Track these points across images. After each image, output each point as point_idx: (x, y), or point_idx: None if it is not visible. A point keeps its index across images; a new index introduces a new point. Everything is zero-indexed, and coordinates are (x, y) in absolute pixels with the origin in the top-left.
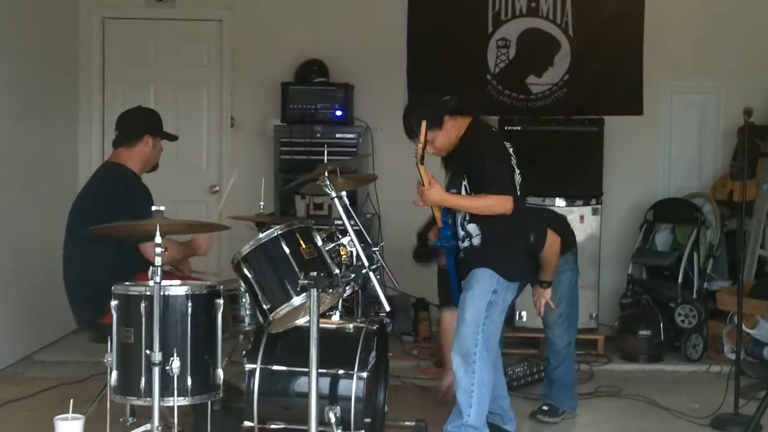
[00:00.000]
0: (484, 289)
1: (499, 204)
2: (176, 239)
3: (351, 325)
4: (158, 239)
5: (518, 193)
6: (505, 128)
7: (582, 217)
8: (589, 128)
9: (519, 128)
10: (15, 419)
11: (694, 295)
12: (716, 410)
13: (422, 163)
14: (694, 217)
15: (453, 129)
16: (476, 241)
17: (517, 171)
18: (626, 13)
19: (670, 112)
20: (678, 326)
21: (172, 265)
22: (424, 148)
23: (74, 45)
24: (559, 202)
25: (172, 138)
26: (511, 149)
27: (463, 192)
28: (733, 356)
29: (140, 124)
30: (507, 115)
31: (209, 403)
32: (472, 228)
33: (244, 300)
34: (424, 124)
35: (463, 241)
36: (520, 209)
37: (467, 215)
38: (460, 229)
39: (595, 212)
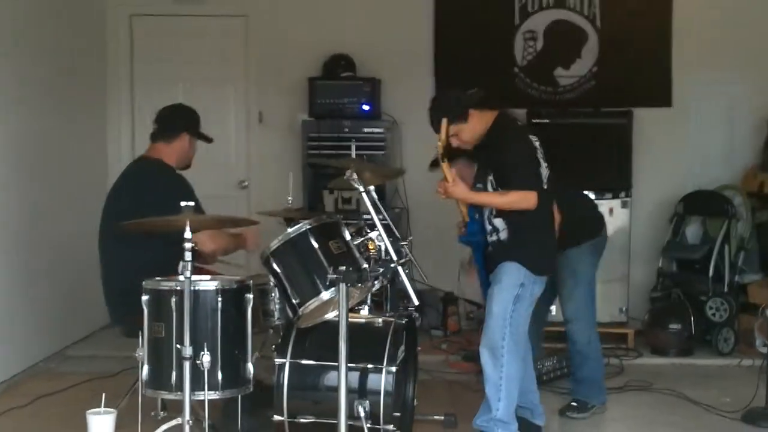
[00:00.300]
0: (512, 282)
1: (522, 200)
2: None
3: (380, 320)
4: (188, 234)
5: (544, 187)
6: (533, 121)
7: (611, 210)
8: (617, 120)
9: (547, 121)
10: (47, 413)
11: (725, 289)
12: (748, 404)
13: (444, 160)
14: (724, 210)
15: (479, 122)
16: (503, 235)
17: (544, 164)
18: (654, 4)
19: (699, 103)
20: (709, 320)
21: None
22: (445, 145)
23: (102, 42)
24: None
25: (209, 140)
26: (537, 142)
27: (489, 187)
28: (764, 350)
29: (180, 121)
30: (535, 108)
31: (239, 397)
32: (498, 222)
33: (273, 295)
34: (444, 122)
35: (490, 236)
36: (546, 203)
37: (494, 210)
38: (487, 223)
39: (624, 205)
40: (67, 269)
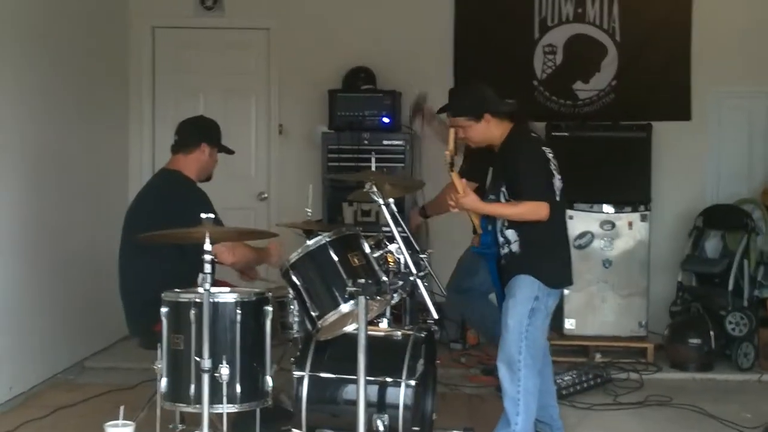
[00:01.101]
0: (526, 295)
1: (533, 211)
2: (250, 243)
3: (399, 333)
4: (208, 246)
5: (557, 199)
6: (552, 134)
7: (630, 224)
8: (637, 134)
9: (566, 134)
10: (66, 425)
11: (745, 303)
12: None
13: (453, 170)
14: (744, 224)
15: (495, 128)
16: (515, 247)
17: (558, 176)
18: (673, 19)
19: (718, 117)
20: (728, 334)
21: (240, 270)
22: (453, 155)
23: (125, 54)
24: (608, 209)
25: (229, 151)
26: (551, 154)
27: (502, 198)
28: None
29: (199, 131)
30: (554, 121)
31: (257, 410)
32: (510, 234)
33: (292, 307)
34: (452, 132)
35: (502, 248)
36: (559, 215)
37: (505, 221)
38: (499, 235)
39: (644, 219)
40: (87, 280)
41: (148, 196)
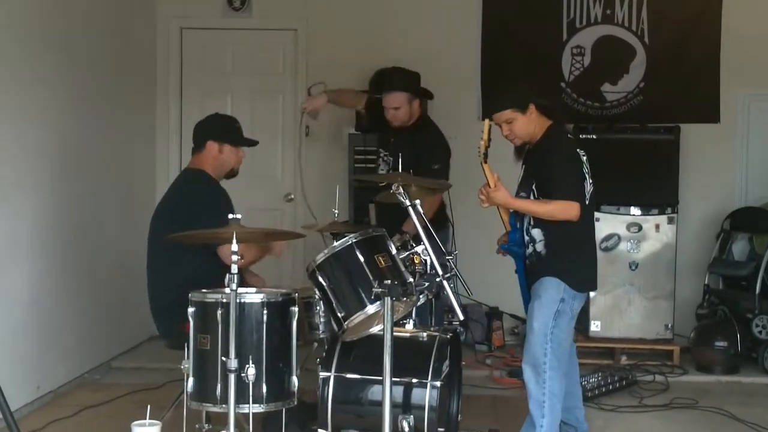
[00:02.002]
0: (551, 298)
1: (564, 210)
2: None
3: (425, 334)
4: (235, 247)
5: (587, 202)
6: (580, 136)
7: (658, 226)
8: (665, 136)
9: (594, 136)
10: (93, 425)
11: None
12: None
13: (486, 162)
14: None
15: (537, 122)
16: (539, 246)
17: (589, 180)
18: (703, 20)
19: (747, 120)
20: (755, 337)
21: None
22: (487, 147)
23: (153, 55)
24: (635, 211)
25: (250, 143)
26: (585, 157)
27: (532, 197)
28: None
29: (203, 130)
30: (582, 123)
31: (283, 410)
32: (536, 233)
33: (318, 308)
34: (486, 123)
35: (527, 247)
36: (587, 218)
37: (532, 220)
38: (525, 233)
39: (671, 221)
40: (114, 280)
41: (172, 195)
